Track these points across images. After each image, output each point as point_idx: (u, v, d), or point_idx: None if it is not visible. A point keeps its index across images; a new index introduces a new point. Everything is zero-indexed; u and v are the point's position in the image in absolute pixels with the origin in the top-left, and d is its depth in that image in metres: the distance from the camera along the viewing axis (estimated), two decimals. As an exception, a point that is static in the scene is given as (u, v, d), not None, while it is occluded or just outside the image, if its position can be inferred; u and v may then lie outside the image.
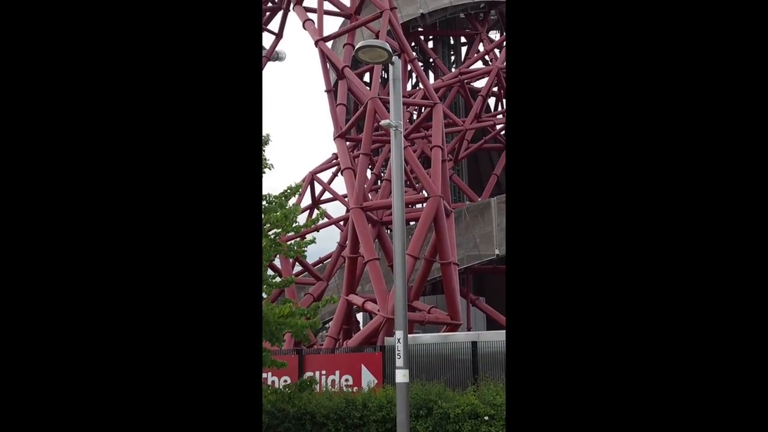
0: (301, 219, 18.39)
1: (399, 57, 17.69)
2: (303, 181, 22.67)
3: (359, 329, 19.76)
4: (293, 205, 10.72)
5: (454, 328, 15.66)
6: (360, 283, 18.76)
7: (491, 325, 21.73)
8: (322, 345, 18.08)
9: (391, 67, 9.33)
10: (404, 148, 12.22)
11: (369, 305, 16.36)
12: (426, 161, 19.91)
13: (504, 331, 9.46)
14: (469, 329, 20.71)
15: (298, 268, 21.51)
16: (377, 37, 18.49)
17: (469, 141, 23.62)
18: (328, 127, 20.01)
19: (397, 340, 8.85)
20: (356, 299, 16.98)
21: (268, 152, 10.87)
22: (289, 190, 10.36)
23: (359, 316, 22.91)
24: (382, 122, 9.98)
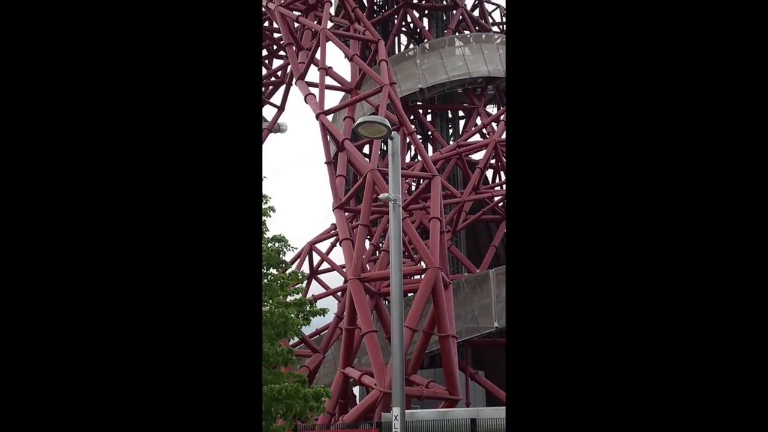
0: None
1: (398, 131, 18.01)
2: (302, 251, 22.68)
3: (356, 404, 19.35)
4: (291, 272, 10.70)
5: (452, 403, 15.34)
6: (357, 356, 18.49)
7: (491, 400, 21.29)
8: (317, 420, 17.65)
9: (390, 141, 9.49)
10: (403, 219, 12.28)
11: (366, 379, 16.08)
12: (424, 232, 19.98)
13: (504, 408, 9.26)
14: (468, 405, 20.28)
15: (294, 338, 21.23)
16: (377, 110, 18.87)
17: (468, 212, 23.76)
18: (327, 198, 20.24)
19: (394, 417, 8.65)
20: (353, 372, 16.70)
21: (269, 223, 10.95)
22: (289, 277, 10.38)
23: (356, 390, 22.48)
24: (381, 196, 10.07)
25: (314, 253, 23.28)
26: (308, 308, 10.74)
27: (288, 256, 11.48)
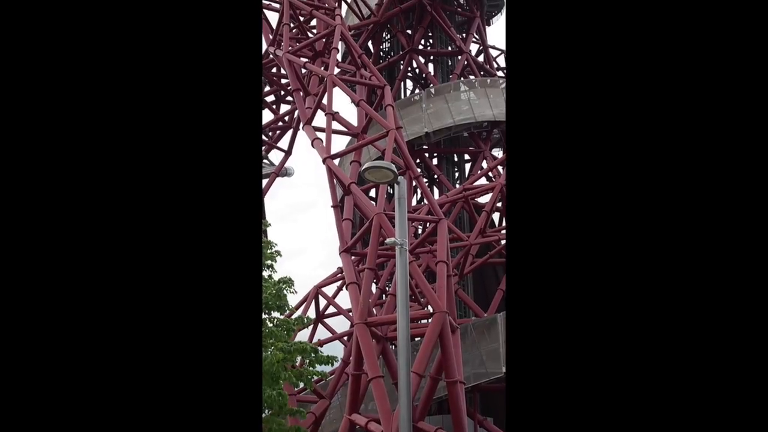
0: (304, 335, 18.11)
1: (404, 175, 18.09)
2: (308, 295, 22.58)
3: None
4: (297, 317, 10.62)
5: (461, 450, 15.03)
6: (364, 402, 18.22)
7: (500, 447, 20.87)
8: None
9: (396, 185, 9.52)
10: (409, 263, 12.24)
11: (373, 426, 15.82)
12: (431, 276, 19.89)
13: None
14: (476, 452, 19.87)
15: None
16: (383, 154, 18.99)
17: (474, 256, 23.68)
18: (334, 241, 20.23)
19: (401, 465, 8.48)
20: (359, 419, 16.44)
21: (276, 267, 10.90)
22: (295, 322, 10.29)
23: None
24: (387, 241, 10.06)
25: (321, 297, 23.17)
26: (313, 355, 10.59)
27: (293, 300, 11.42)
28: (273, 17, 24.41)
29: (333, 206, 20.18)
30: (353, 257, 19.22)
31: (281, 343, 9.77)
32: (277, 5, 24.67)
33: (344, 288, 20.46)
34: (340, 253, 18.87)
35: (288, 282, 10.56)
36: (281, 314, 10.52)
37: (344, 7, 27.47)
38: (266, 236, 10.69)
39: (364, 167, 8.99)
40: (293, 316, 11.08)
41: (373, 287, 21.72)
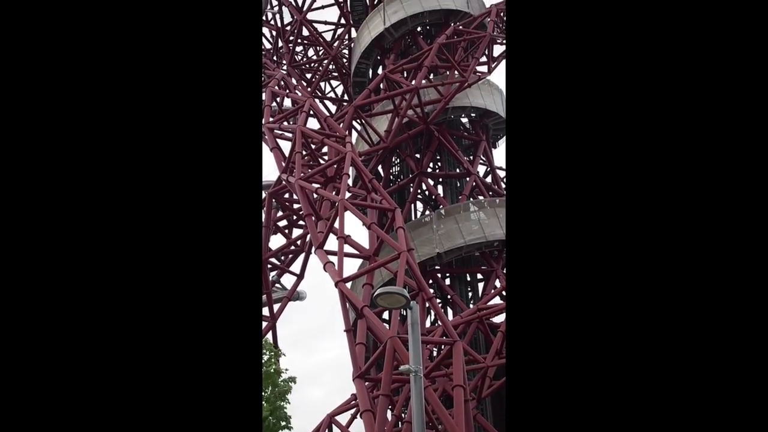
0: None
1: (417, 297, 17.96)
2: (321, 424, 21.83)
3: None
4: None
5: None
6: None
7: None
8: None
9: (409, 310, 9.44)
10: (425, 388, 11.90)
11: None
12: (448, 400, 19.27)
13: None
14: None
15: None
16: (395, 277, 18.97)
17: (492, 378, 23.04)
18: (347, 366, 19.78)
19: None
20: None
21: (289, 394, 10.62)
22: None
23: None
24: (401, 368, 9.86)
25: (334, 427, 22.38)
26: None
27: (306, 429, 11.02)
28: (285, 146, 25.29)
29: (346, 330, 19.92)
30: (367, 383, 18.74)
31: None
32: (289, 135, 25.59)
33: (358, 416, 19.80)
34: (353, 379, 18.42)
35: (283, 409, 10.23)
36: None
37: (354, 134, 28.47)
38: (278, 363, 10.47)
39: (376, 293, 8.95)
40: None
41: (389, 414, 21.02)
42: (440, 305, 25.52)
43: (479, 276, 28.77)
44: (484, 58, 29.31)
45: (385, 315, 23.59)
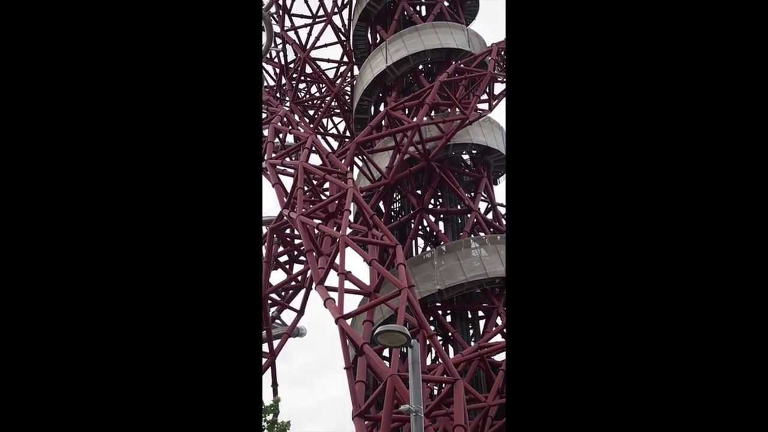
0: None
1: (417, 334, 17.79)
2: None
3: None
4: None
5: None
6: None
7: None
8: None
9: (410, 348, 9.32)
10: (425, 428, 11.70)
11: None
12: (449, 441, 18.95)
13: None
14: None
15: None
16: (396, 314, 18.83)
17: (493, 418, 22.70)
18: (347, 404, 19.53)
19: None
20: None
21: None
22: None
23: None
24: (401, 408, 9.72)
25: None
26: None
27: None
28: (288, 181, 25.36)
29: (345, 368, 19.70)
30: (367, 422, 18.46)
31: None
32: (291, 170, 25.68)
33: (358, 456, 19.44)
34: (353, 418, 18.15)
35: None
36: None
37: (356, 170, 28.57)
38: (277, 404, 10.30)
39: (376, 331, 8.86)
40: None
41: (389, 454, 20.65)
42: (441, 342, 25.28)
43: (480, 313, 28.56)
44: (485, 96, 29.55)
45: (386, 352, 23.36)
